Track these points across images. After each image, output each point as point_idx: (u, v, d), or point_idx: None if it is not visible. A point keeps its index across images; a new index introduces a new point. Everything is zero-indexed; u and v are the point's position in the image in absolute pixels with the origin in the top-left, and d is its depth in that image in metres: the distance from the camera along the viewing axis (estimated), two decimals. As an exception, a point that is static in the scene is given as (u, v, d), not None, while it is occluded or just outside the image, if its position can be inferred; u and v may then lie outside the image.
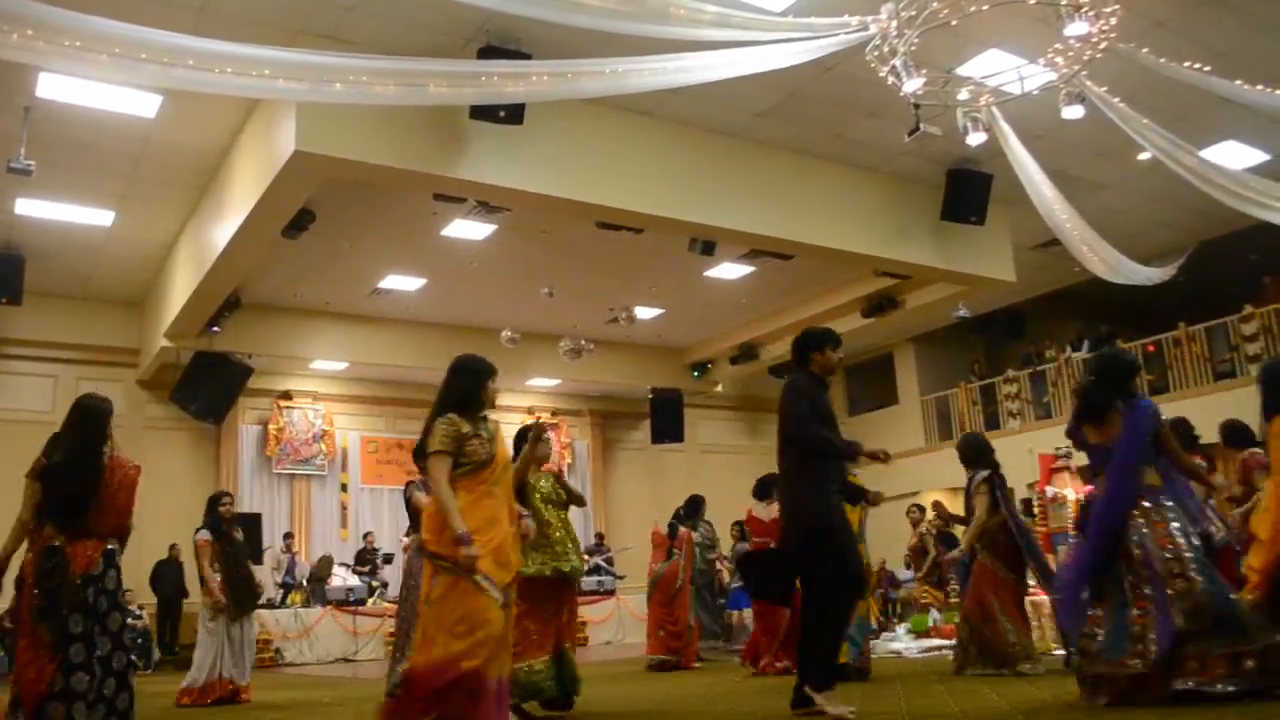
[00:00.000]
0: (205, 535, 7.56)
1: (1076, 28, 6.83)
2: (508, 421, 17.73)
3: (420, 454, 4.17)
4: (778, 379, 17.98)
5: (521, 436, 5.72)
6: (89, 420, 4.90)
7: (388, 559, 15.26)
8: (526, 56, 8.18)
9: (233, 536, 7.66)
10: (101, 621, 4.74)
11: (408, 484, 6.56)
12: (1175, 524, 4.45)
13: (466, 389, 4.22)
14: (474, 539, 3.86)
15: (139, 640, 12.72)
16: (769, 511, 8.12)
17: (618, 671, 9.07)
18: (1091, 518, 4.84)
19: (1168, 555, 4.36)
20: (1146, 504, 4.51)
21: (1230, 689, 4.10)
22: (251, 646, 7.64)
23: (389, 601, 13.96)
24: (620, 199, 9.89)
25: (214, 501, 7.81)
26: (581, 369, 15.63)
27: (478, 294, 14.25)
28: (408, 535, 14.97)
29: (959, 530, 8.46)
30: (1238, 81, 8.03)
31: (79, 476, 4.75)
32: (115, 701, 4.73)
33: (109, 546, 4.85)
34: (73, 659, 4.60)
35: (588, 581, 14.88)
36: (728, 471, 18.68)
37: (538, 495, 5.64)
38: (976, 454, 7.03)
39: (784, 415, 4.91)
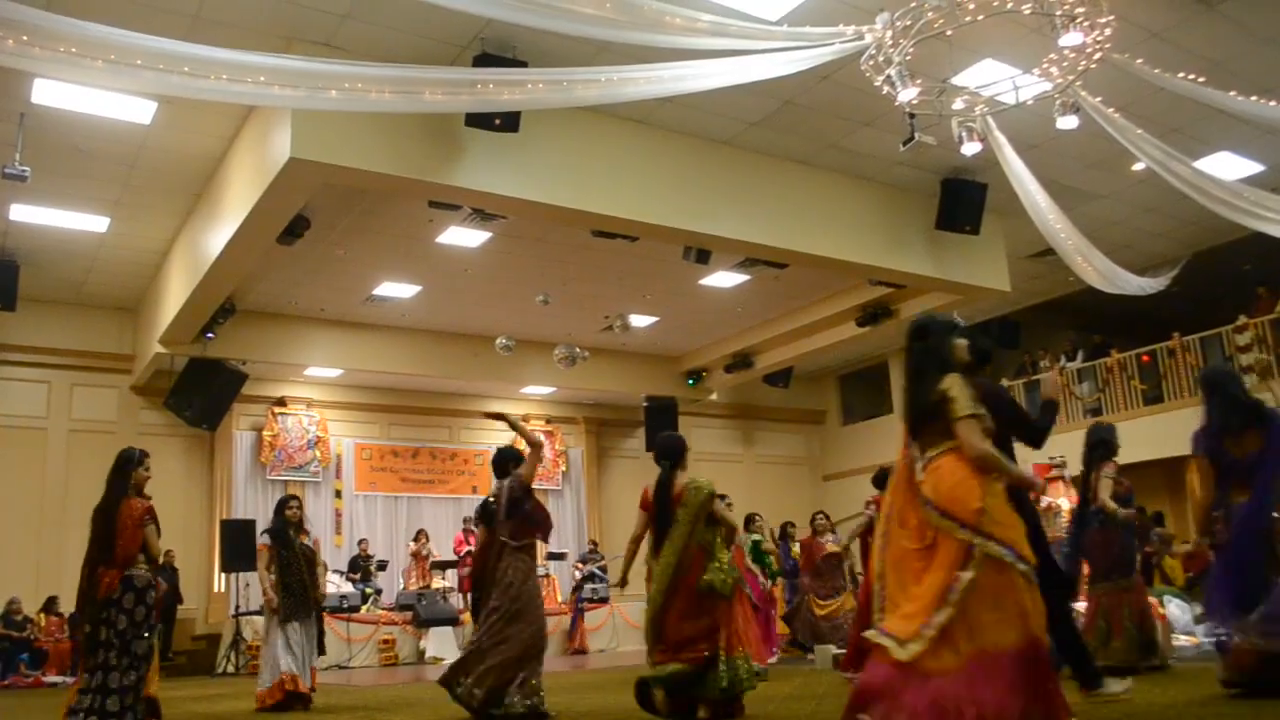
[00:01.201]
0: (264, 540, 7.64)
1: (1071, 38, 6.84)
2: (500, 430, 17.87)
3: (923, 421, 3.68)
4: (772, 387, 18.01)
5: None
6: (116, 470, 5.76)
7: (382, 566, 15.24)
8: (522, 64, 8.17)
9: (292, 541, 7.59)
10: (121, 637, 5.48)
11: (515, 485, 6.24)
12: None
13: (935, 350, 3.73)
14: (998, 515, 3.43)
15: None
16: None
17: (617, 679, 8.95)
18: (1238, 525, 4.97)
19: None
20: None
21: None
22: (310, 649, 7.56)
23: (383, 608, 13.94)
24: (615, 207, 9.89)
25: (281, 505, 7.81)
26: (576, 377, 15.61)
27: (472, 301, 14.26)
28: (415, 540, 14.98)
29: None
30: (1232, 92, 8.07)
31: (99, 517, 5.67)
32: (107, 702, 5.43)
33: (126, 573, 5.57)
34: (98, 662, 5.49)
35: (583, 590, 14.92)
36: (722, 479, 18.61)
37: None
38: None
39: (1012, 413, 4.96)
